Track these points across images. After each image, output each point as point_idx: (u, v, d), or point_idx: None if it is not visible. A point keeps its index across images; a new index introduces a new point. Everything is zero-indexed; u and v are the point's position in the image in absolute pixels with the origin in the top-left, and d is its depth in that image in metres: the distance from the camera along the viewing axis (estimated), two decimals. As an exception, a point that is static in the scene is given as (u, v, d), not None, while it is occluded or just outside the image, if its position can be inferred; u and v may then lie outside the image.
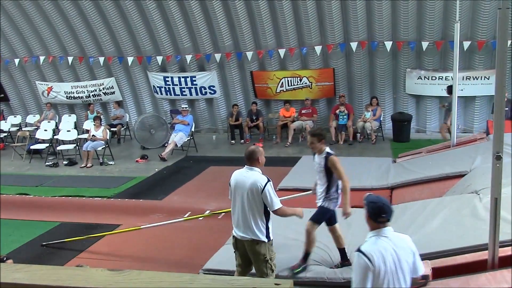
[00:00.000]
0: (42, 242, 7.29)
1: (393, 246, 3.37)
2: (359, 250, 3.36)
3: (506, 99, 9.47)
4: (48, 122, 14.42)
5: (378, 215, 3.40)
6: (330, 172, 5.31)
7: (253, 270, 4.95)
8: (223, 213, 8.12)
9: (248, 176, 4.74)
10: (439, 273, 4.66)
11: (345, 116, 12.81)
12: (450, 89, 11.26)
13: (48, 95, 15.64)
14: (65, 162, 12.34)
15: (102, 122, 13.30)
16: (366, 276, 3.29)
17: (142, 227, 6.86)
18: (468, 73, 12.26)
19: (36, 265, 1.33)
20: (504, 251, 4.55)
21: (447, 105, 11.88)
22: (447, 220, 5.71)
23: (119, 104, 15.09)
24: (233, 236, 4.95)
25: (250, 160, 4.86)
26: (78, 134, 13.58)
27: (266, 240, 4.74)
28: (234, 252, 5.04)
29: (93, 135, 12.36)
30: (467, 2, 11.37)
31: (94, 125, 12.68)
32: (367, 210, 3.48)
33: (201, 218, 8.23)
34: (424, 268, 3.77)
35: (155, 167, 11.58)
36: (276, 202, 4.72)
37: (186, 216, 8.31)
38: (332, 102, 13.81)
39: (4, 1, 13.90)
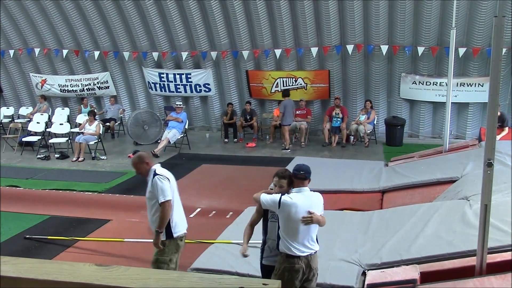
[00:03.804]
0: (31, 235, 7.25)
1: (307, 201, 4.29)
2: (281, 196, 4.26)
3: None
4: (41, 114, 14.33)
5: (298, 171, 4.34)
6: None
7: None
8: (213, 212, 8.13)
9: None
10: (427, 277, 4.69)
11: (339, 119, 12.84)
12: (285, 93, 12.80)
13: (42, 87, 15.54)
14: (56, 156, 12.28)
15: (96, 117, 13.22)
16: (272, 207, 4.30)
17: (125, 240, 6.89)
18: (463, 80, 12.32)
19: (23, 258, 1.32)
20: (492, 258, 4.58)
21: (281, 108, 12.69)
22: (437, 225, 5.73)
23: (115, 99, 15.03)
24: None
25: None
26: (71, 128, 13.50)
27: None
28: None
29: (82, 132, 12.23)
30: (463, 9, 11.44)
31: (88, 119, 12.58)
32: (292, 172, 4.41)
33: (192, 215, 8.23)
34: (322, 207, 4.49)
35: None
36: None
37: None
38: (326, 104, 13.83)
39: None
